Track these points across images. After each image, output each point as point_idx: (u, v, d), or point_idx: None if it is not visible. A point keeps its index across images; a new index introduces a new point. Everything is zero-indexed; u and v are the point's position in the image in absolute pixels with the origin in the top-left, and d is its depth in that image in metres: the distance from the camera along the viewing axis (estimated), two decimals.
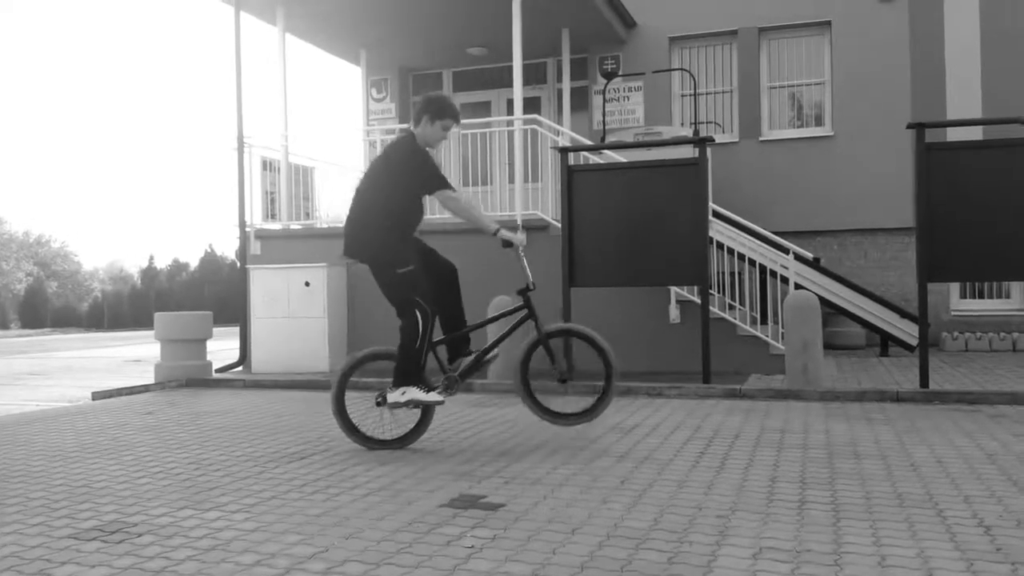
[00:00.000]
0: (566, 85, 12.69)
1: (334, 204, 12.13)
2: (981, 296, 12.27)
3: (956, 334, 11.29)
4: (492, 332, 7.40)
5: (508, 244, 5.15)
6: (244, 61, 10.87)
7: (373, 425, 5.61)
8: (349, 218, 5.20)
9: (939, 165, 7.13)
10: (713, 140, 8.56)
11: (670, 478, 4.27)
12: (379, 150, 11.34)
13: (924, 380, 7.14)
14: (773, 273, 9.35)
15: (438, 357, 5.27)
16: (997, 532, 3.28)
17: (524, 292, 5.30)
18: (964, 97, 12.12)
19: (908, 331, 9.96)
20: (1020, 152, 6.99)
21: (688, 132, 11.68)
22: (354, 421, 5.40)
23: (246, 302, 10.10)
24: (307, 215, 11.29)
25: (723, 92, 12.85)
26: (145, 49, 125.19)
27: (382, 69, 14.08)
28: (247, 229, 10.50)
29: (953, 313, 12.06)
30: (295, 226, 10.87)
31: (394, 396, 5.08)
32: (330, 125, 47.64)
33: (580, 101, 13.30)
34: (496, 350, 5.42)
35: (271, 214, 10.94)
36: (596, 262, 8.18)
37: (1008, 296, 12.17)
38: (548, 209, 10.09)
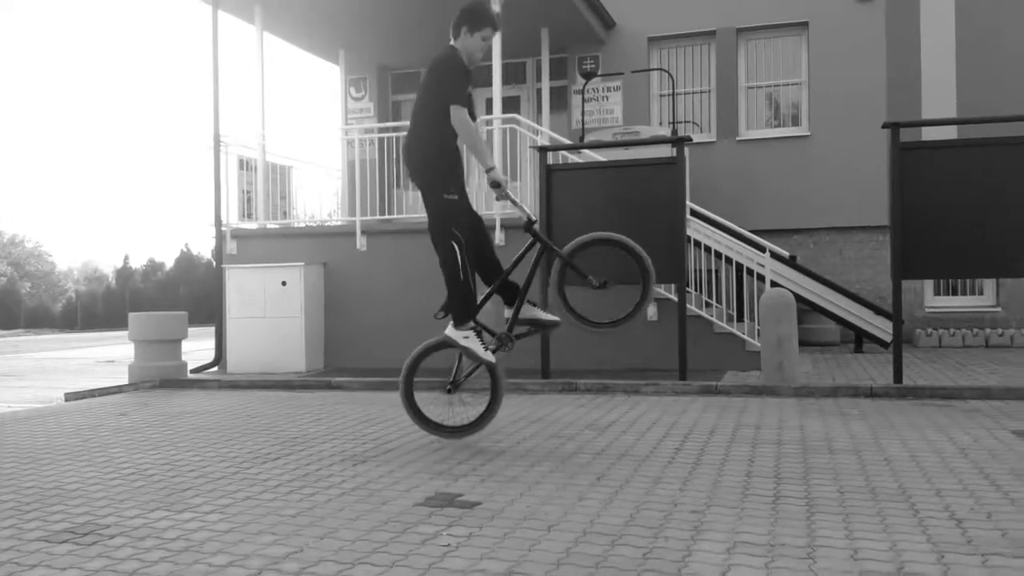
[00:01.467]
0: (545, 84, 12.70)
1: (311, 203, 12.09)
2: (955, 293, 12.42)
3: (930, 330, 11.42)
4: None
5: (496, 185, 4.92)
6: (222, 60, 10.79)
7: (442, 414, 5.45)
8: (406, 143, 5.13)
9: (913, 164, 7.20)
10: (691, 140, 8.60)
11: (646, 474, 4.28)
12: (357, 149, 11.35)
13: (898, 376, 7.21)
14: (750, 271, 9.41)
15: (486, 328, 5.17)
16: (968, 524, 3.31)
17: (529, 227, 5.13)
18: (939, 97, 12.26)
19: (882, 328, 10.06)
20: (992, 152, 7.08)
21: (666, 131, 11.72)
22: (424, 410, 5.32)
23: (221, 302, 10.03)
24: (284, 214, 11.23)
25: (701, 92, 12.91)
26: (121, 47, 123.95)
27: (361, 68, 14.03)
28: (223, 228, 10.42)
29: (927, 310, 12.20)
30: (272, 225, 10.81)
31: (454, 334, 5.03)
32: (308, 124, 47.43)
33: (559, 100, 13.32)
34: (557, 317, 5.29)
35: (248, 213, 10.87)
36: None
37: (981, 293, 12.32)
38: (527, 208, 10.06)
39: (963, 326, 11.79)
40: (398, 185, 13.19)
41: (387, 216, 10.71)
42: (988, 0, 12.05)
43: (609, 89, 13.02)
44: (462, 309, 5.04)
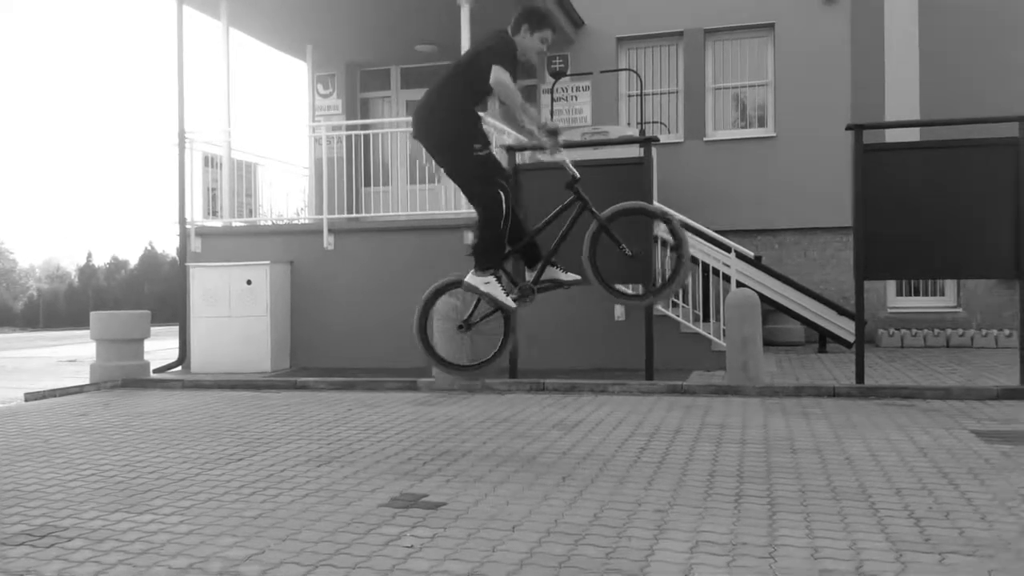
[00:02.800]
0: None
1: (278, 201, 11.98)
2: (917, 294, 12.62)
3: (892, 331, 11.59)
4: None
5: (555, 133, 4.91)
6: (187, 55, 10.65)
7: (451, 352, 5.44)
8: (417, 113, 5.00)
9: (876, 166, 7.29)
10: (658, 140, 8.64)
11: (611, 474, 4.29)
12: (324, 146, 11.27)
13: (860, 376, 7.31)
14: (715, 271, 9.48)
15: (507, 271, 5.15)
16: (927, 523, 3.36)
17: (572, 185, 5.08)
18: (903, 99, 12.45)
19: (846, 328, 10.19)
20: (954, 153, 7.18)
21: (635, 132, 11.77)
22: (436, 347, 5.28)
23: (185, 301, 9.91)
24: (250, 212, 11.12)
25: (669, 93, 12.98)
26: (85, 43, 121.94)
27: (329, 65, 13.92)
28: (187, 226, 10.29)
29: (889, 310, 12.38)
30: (237, 223, 10.69)
31: (475, 280, 4.95)
32: (275, 121, 46.97)
33: (529, 99, 13.26)
34: (577, 276, 5.23)
35: (212, 211, 10.74)
36: None
37: (943, 294, 12.53)
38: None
39: (925, 326, 11.98)
40: (367, 183, 13.12)
41: (355, 215, 10.65)
42: (951, 3, 12.25)
43: (578, 89, 13.05)
44: (490, 255, 4.96)
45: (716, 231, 10.12)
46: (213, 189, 10.79)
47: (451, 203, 10.73)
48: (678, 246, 5.01)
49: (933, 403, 6.66)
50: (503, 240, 4.95)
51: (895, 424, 5.71)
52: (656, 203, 5.05)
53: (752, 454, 4.76)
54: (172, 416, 6.67)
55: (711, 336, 8.88)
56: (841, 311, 10.30)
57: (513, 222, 5.02)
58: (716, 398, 7.12)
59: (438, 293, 5.21)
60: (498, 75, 4.65)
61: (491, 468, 4.48)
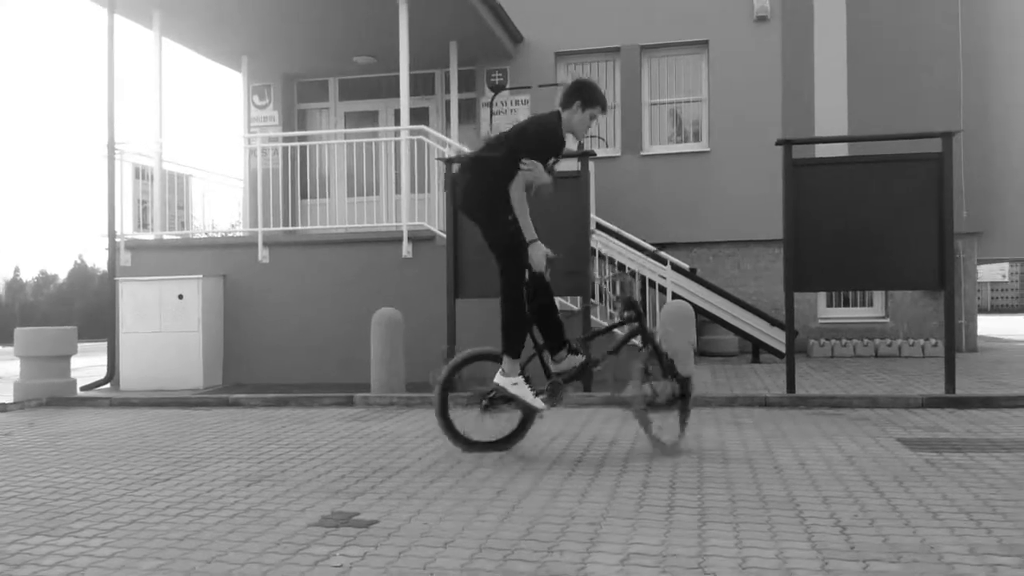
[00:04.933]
0: (454, 96, 12.72)
1: (212, 214, 11.76)
2: (847, 304, 12.96)
3: (823, 341, 11.88)
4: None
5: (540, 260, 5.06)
6: (118, 65, 10.40)
7: (473, 428, 5.40)
8: (469, 165, 5.14)
9: (805, 180, 7.47)
10: (594, 154, 8.74)
11: (545, 487, 4.29)
12: (259, 158, 11.10)
13: (791, 385, 7.46)
14: (652, 283, 9.60)
15: (543, 362, 5.17)
16: (852, 531, 3.43)
17: (632, 305, 5.25)
18: (831, 115, 12.79)
19: (778, 338, 10.41)
20: (880, 168, 7.40)
21: (574, 146, 11.86)
22: (456, 424, 5.28)
23: (115, 316, 9.64)
24: (182, 225, 10.89)
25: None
26: (14, 51, 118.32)
27: (265, 76, 13.75)
28: (117, 239, 10.03)
29: (820, 321, 12.68)
30: (169, 236, 10.46)
31: (504, 382, 4.99)
32: (210, 132, 46.13)
33: (469, 113, 13.35)
34: (601, 365, 5.34)
35: (143, 223, 10.50)
36: (481, 273, 8.17)
37: (871, 305, 12.89)
38: (435, 220, 10.06)
39: (854, 336, 12.31)
40: (304, 196, 12.97)
41: (291, 227, 10.52)
42: (877, 22, 12.66)
43: (517, 102, 13.12)
44: (514, 335, 5.02)
45: (653, 244, 10.25)
46: (144, 201, 10.56)
47: (392, 216, 10.67)
48: (683, 400, 5.30)
49: (861, 412, 6.84)
50: (523, 318, 5.01)
51: (824, 433, 5.83)
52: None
53: (685, 464, 4.81)
54: (98, 435, 6.47)
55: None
56: (773, 322, 10.52)
57: (541, 299, 5.09)
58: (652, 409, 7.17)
59: (456, 369, 5.23)
60: (515, 184, 4.87)
61: (426, 484, 4.44)
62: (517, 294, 4.99)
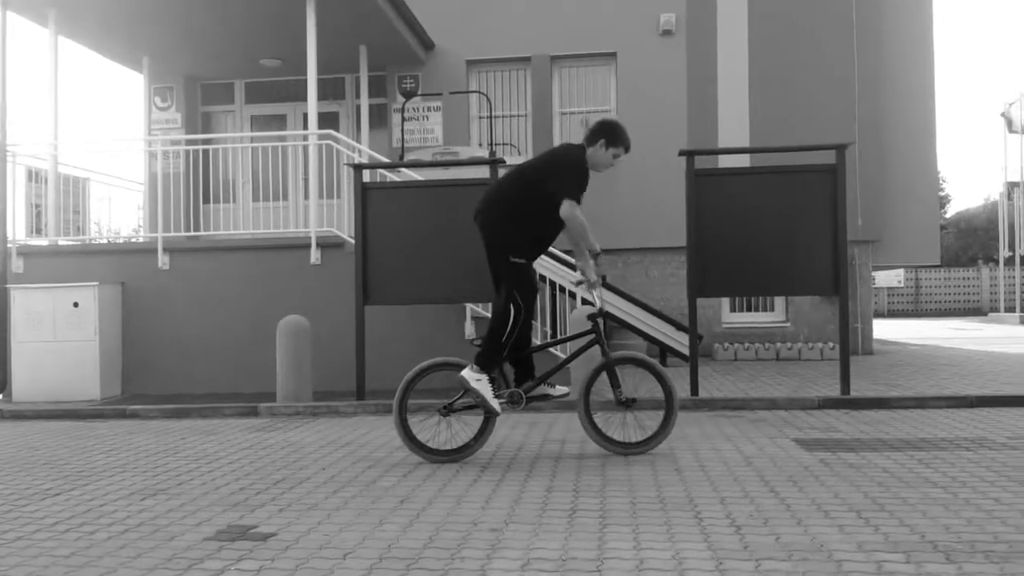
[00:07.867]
0: (364, 102, 12.59)
1: (110, 219, 11.34)
2: (750, 310, 13.36)
3: (727, 345, 12.22)
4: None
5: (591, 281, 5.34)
6: (12, 64, 9.93)
7: (431, 437, 5.42)
8: (489, 200, 5.19)
9: (707, 190, 7.68)
10: (504, 161, 8.77)
11: (450, 494, 4.28)
12: (160, 161, 10.76)
13: (694, 388, 7.64)
14: (562, 289, 9.70)
15: (504, 373, 5.20)
16: (747, 531, 3.53)
17: (595, 317, 5.30)
18: (734, 127, 13.17)
19: (684, 343, 10.65)
20: (779, 179, 7.66)
21: (485, 153, 11.91)
22: (414, 432, 5.27)
23: (6, 325, 9.17)
24: (79, 230, 10.47)
25: (518, 116, 13.23)
26: None
27: (167, 77, 13.34)
28: (8, 245, 9.56)
29: (724, 325, 13.04)
30: (64, 242, 10.03)
31: (468, 375, 5.02)
32: (109, 135, 44.51)
33: (380, 118, 13.25)
34: (566, 389, 5.42)
35: (37, 228, 10.04)
36: (391, 280, 8.11)
37: (773, 310, 13.33)
38: (345, 226, 9.93)
39: (757, 340, 12.70)
40: (207, 200, 12.63)
41: (194, 232, 10.22)
42: (777, 38, 13.10)
43: (429, 109, 13.09)
44: (490, 360, 5.06)
45: (563, 251, 10.35)
46: (38, 205, 10.11)
47: (300, 222, 10.49)
48: (668, 403, 5.31)
49: (760, 413, 7.05)
50: (503, 350, 5.06)
51: (724, 435, 6.00)
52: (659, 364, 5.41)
53: (588, 468, 4.87)
54: None
55: (558, 352, 9.05)
56: (679, 327, 10.76)
57: (520, 333, 5.13)
58: (561, 414, 7.26)
59: (417, 378, 5.22)
60: (569, 210, 5.02)
61: (328, 495, 4.38)
62: (500, 328, 5.03)
